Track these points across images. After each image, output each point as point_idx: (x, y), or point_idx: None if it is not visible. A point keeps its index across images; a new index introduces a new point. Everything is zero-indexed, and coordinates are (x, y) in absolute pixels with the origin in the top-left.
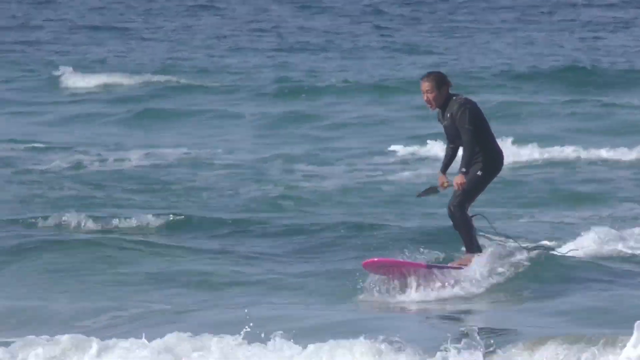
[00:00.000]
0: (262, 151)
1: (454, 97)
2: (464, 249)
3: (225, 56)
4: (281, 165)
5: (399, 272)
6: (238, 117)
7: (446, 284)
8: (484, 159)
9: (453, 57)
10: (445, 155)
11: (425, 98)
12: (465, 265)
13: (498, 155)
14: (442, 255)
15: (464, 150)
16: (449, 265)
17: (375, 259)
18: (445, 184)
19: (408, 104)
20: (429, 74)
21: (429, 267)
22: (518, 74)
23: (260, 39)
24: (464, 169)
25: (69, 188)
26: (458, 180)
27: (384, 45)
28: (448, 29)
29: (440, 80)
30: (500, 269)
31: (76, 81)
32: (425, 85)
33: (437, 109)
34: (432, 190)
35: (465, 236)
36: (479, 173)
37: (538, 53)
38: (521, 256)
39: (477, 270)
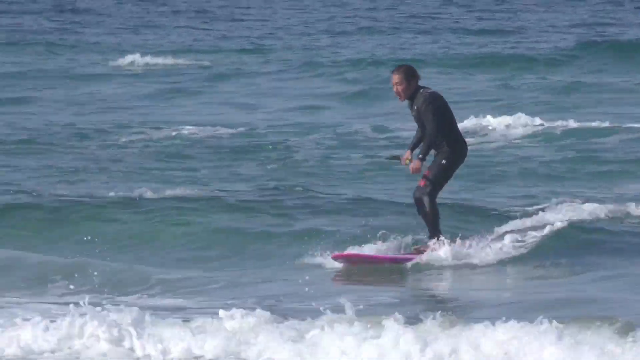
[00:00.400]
0: None
1: (421, 90)
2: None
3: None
4: None
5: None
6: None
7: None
8: (448, 149)
9: None
10: (415, 136)
11: (395, 90)
12: (424, 251)
13: (461, 145)
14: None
15: (425, 140)
16: (410, 254)
17: (344, 254)
18: (407, 161)
19: None
20: (399, 67)
21: (392, 260)
22: None
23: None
24: (420, 156)
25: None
26: (413, 165)
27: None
28: None
29: (409, 73)
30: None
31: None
32: (395, 78)
33: (407, 100)
34: (396, 158)
35: (431, 224)
36: (443, 162)
37: None
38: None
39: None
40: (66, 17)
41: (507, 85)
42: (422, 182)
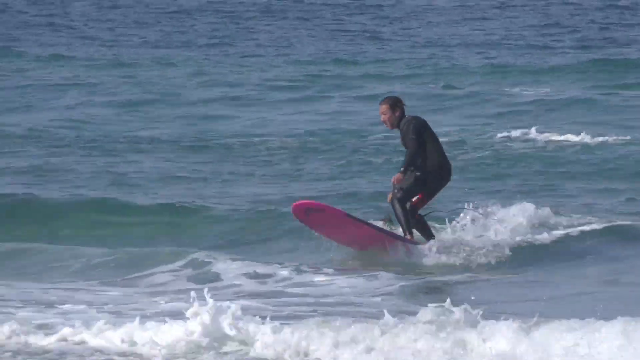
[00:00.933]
0: None
1: (406, 117)
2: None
3: None
4: None
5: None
6: None
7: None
8: (424, 166)
9: None
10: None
11: (382, 119)
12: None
13: (440, 166)
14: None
15: (406, 155)
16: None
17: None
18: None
19: None
20: (385, 99)
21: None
22: None
23: None
24: (402, 169)
25: None
26: (395, 176)
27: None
28: None
29: (393, 104)
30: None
31: None
32: (382, 109)
33: (397, 129)
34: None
35: (400, 223)
36: (417, 174)
37: None
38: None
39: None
40: None
41: None
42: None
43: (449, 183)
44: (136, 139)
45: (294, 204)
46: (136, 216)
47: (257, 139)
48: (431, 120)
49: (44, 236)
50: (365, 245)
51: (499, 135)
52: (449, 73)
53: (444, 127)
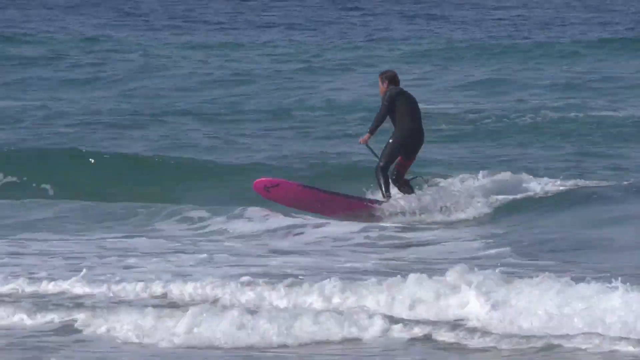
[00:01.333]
0: None
1: (390, 88)
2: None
3: None
4: None
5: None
6: None
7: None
8: (396, 133)
9: None
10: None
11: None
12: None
13: (406, 130)
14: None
15: (375, 116)
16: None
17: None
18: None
19: None
20: (381, 72)
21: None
22: None
23: None
24: (368, 130)
25: None
26: (362, 138)
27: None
28: None
29: (382, 77)
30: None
31: None
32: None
33: None
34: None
35: (380, 187)
36: (390, 141)
37: None
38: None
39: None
40: None
41: None
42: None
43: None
44: None
45: (254, 182)
46: None
47: None
48: None
49: None
50: (332, 211)
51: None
52: None
53: None
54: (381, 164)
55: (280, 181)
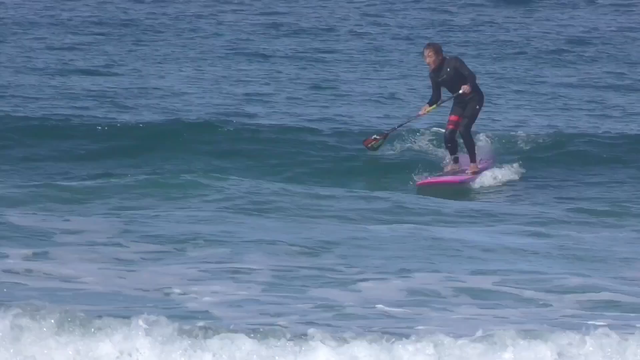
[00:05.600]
0: None
1: (446, 58)
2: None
3: None
4: None
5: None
6: None
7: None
8: (477, 97)
9: None
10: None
11: (427, 61)
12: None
13: (480, 91)
14: None
15: (468, 82)
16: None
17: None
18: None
19: None
20: (430, 44)
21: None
22: None
23: None
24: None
25: None
26: (423, 110)
27: None
28: None
29: (438, 49)
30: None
31: None
32: (427, 52)
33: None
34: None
35: (470, 151)
36: (477, 107)
37: None
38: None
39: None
40: None
41: None
42: (459, 121)
43: None
44: None
45: (417, 183)
46: None
47: None
48: None
49: None
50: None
51: None
52: None
53: None
54: (469, 126)
55: (438, 180)
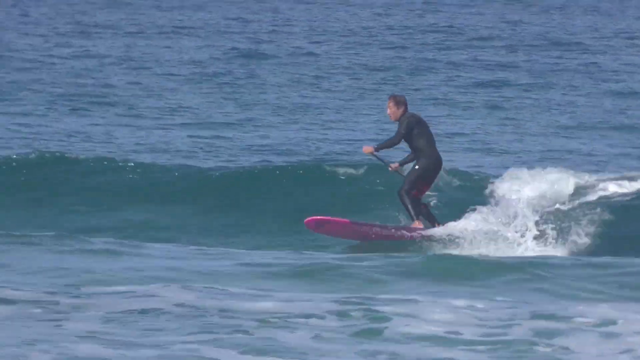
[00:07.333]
0: None
1: (407, 113)
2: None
3: None
4: None
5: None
6: None
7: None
8: (422, 160)
9: None
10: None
11: (387, 112)
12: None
13: (430, 158)
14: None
15: (388, 140)
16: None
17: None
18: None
19: None
20: (392, 96)
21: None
22: None
23: None
24: (376, 146)
25: None
26: (366, 148)
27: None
28: None
29: (398, 101)
30: None
31: None
32: (389, 103)
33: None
34: (385, 163)
35: (408, 211)
36: (416, 167)
37: None
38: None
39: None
40: None
41: None
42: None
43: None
44: None
45: (305, 221)
46: None
47: None
48: None
49: None
50: (381, 238)
51: None
52: None
53: None
54: (405, 187)
55: (328, 219)
